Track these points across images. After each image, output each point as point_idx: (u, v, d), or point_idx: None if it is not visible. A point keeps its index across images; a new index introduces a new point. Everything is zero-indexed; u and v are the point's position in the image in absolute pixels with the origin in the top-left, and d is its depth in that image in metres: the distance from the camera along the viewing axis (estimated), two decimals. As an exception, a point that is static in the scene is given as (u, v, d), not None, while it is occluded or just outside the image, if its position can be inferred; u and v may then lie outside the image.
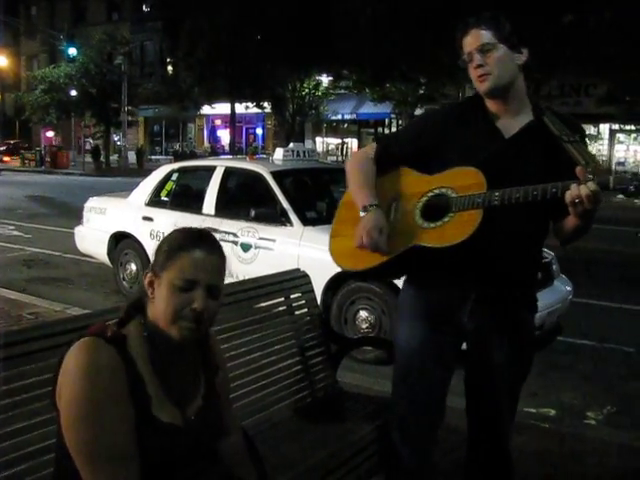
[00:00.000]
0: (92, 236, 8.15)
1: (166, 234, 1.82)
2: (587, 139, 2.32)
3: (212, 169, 7.13)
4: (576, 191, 1.97)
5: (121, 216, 7.82)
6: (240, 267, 5.99)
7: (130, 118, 37.92)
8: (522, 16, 19.67)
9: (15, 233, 12.82)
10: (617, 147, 31.48)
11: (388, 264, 2.31)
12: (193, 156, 33.78)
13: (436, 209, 2.24)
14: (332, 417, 2.93)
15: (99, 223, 8.04)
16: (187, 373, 1.81)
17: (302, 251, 5.81)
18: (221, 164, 7.23)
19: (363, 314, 5.58)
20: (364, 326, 5.58)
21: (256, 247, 6.16)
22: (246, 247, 6.19)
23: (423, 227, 2.26)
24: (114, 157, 39.84)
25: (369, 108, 34.43)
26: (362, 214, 2.34)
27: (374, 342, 4.88)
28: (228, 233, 6.24)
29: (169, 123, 46.10)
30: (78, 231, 8.43)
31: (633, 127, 29.04)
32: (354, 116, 37.67)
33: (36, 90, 38.25)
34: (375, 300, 5.48)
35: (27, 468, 1.97)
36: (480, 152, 2.24)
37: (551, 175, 2.10)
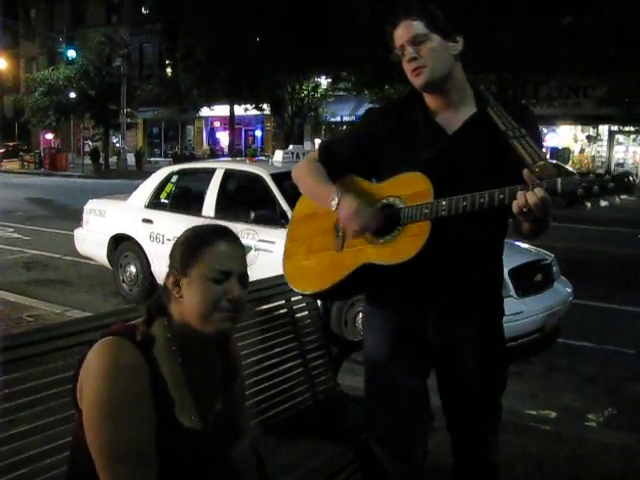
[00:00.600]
0: (92, 238, 8.15)
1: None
2: (541, 127, 2.20)
3: (212, 171, 7.13)
4: (522, 200, 1.86)
5: (121, 218, 7.82)
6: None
7: (129, 120, 37.91)
8: (521, 17, 19.76)
9: (15, 235, 12.82)
10: (616, 148, 31.49)
11: (342, 284, 2.22)
12: (192, 158, 33.81)
13: (385, 222, 2.14)
14: (333, 420, 2.93)
15: (99, 225, 8.04)
16: (209, 377, 1.80)
17: (302, 253, 5.79)
18: (221, 166, 7.23)
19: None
20: (364, 328, 5.57)
21: (256, 249, 6.15)
22: (246, 249, 6.18)
23: (372, 243, 2.16)
24: (113, 159, 39.80)
25: (368, 110, 34.39)
26: (333, 206, 2.19)
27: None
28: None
29: (168, 125, 46.07)
30: (78, 233, 8.42)
31: (632, 128, 29.03)
32: (353, 118, 37.61)
33: (35, 92, 38.23)
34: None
35: (29, 471, 1.96)
36: (423, 152, 2.13)
37: (499, 171, 2.03)
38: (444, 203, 2.02)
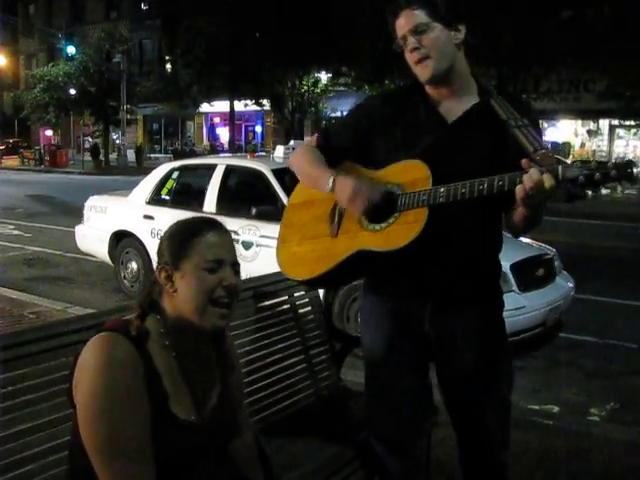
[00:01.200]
0: (93, 235, 8.15)
1: (172, 226, 1.81)
2: (541, 122, 2.17)
3: (213, 167, 7.13)
4: (529, 182, 1.81)
5: (122, 215, 7.82)
6: (242, 265, 5.97)
7: (129, 116, 37.86)
8: (522, 11, 19.71)
9: (15, 232, 12.82)
10: (617, 142, 31.46)
11: (336, 271, 2.18)
12: (193, 154, 33.74)
13: (382, 208, 2.09)
14: (337, 415, 2.93)
15: (100, 222, 8.04)
16: (203, 371, 1.80)
17: (304, 249, 5.79)
18: (222, 162, 7.23)
19: (365, 312, 5.57)
20: (366, 323, 5.56)
21: (257, 245, 6.15)
22: (247, 245, 6.19)
23: (368, 229, 2.11)
24: (113, 155, 39.78)
25: (368, 105, 34.36)
26: (328, 188, 2.15)
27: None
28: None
29: (168, 121, 46.03)
30: (79, 230, 8.42)
31: (633, 122, 28.99)
32: (353, 113, 37.63)
33: (35, 89, 38.20)
34: (377, 297, 5.46)
35: (33, 469, 1.96)
36: (422, 140, 2.10)
37: (498, 161, 1.99)
38: (442, 190, 1.98)
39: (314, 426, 2.79)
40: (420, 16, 2.06)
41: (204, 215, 1.81)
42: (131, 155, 37.83)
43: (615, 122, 30.16)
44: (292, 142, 7.73)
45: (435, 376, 2.34)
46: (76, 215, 9.47)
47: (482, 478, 2.34)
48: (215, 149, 39.08)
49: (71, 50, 32.67)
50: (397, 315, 2.23)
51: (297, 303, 3.21)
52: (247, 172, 7.12)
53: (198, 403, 1.75)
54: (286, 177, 6.72)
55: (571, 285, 6.20)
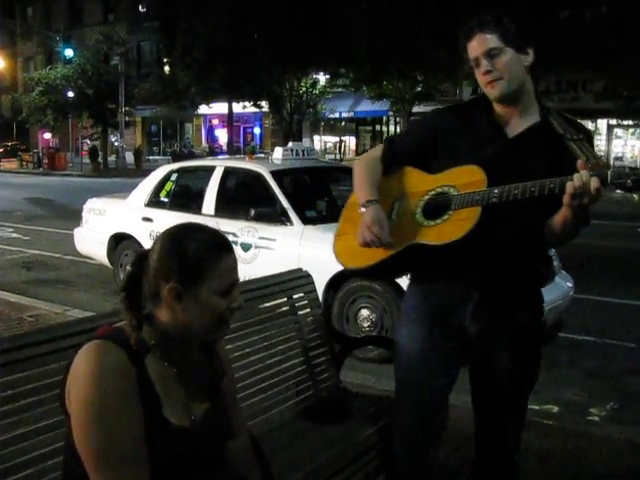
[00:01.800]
0: (92, 237, 8.14)
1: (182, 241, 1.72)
2: (594, 140, 2.29)
3: (211, 169, 7.12)
4: (578, 181, 1.93)
5: (120, 217, 7.81)
6: (240, 267, 5.90)
7: (127, 119, 37.88)
8: (518, 12, 19.71)
9: (14, 235, 12.81)
10: (615, 142, 31.52)
11: (389, 262, 2.28)
12: (191, 156, 33.76)
13: (437, 207, 2.23)
14: (336, 417, 2.92)
15: (98, 224, 8.03)
16: (195, 376, 1.80)
17: (302, 250, 5.80)
18: (220, 164, 7.23)
19: (364, 313, 5.58)
20: (366, 325, 5.58)
21: (256, 247, 6.15)
22: (246, 247, 6.19)
23: (423, 225, 2.24)
24: (112, 158, 39.79)
25: (366, 106, 34.43)
26: (362, 210, 2.32)
27: (378, 341, 4.86)
28: (228, 233, 6.20)
29: (167, 123, 46.06)
30: (77, 232, 8.42)
31: (631, 122, 29.04)
32: (352, 114, 37.68)
33: (33, 92, 38.20)
34: (376, 298, 5.48)
35: (34, 473, 1.96)
36: (483, 151, 2.21)
37: (552, 176, 2.06)
38: (496, 190, 2.10)
39: (314, 427, 2.79)
40: (493, 40, 2.18)
41: (217, 232, 1.76)
42: (130, 157, 37.84)
43: (613, 122, 30.22)
44: (290, 144, 7.73)
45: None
46: (75, 218, 9.46)
47: (497, 476, 2.44)
48: (214, 151, 39.11)
49: (69, 53, 32.73)
50: (440, 310, 2.32)
51: (296, 305, 3.21)
52: (246, 174, 7.13)
53: (189, 408, 1.75)
54: (285, 179, 6.74)
55: (570, 285, 6.20)
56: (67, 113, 38.89)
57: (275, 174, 6.49)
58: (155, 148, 47.07)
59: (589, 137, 2.26)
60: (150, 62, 43.23)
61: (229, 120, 34.97)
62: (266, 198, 6.43)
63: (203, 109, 37.53)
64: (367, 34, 23.23)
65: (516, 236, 2.21)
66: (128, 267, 7.56)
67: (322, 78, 33.20)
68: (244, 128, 42.78)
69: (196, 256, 1.67)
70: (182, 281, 1.66)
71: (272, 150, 7.69)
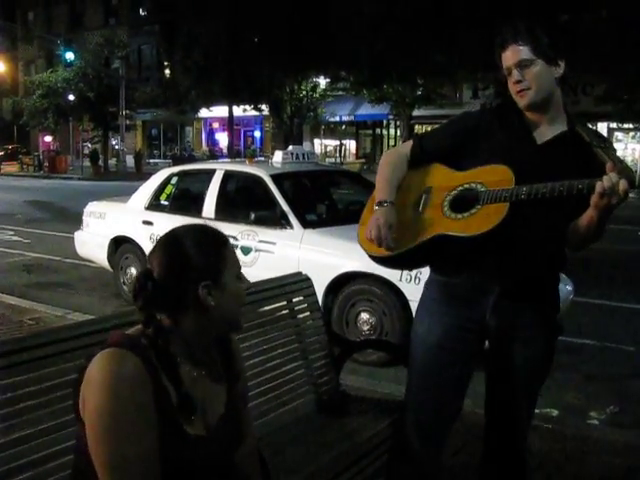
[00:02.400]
0: (92, 240, 8.15)
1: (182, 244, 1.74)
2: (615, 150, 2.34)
3: (212, 172, 7.13)
4: (608, 182, 2.00)
5: (121, 220, 7.82)
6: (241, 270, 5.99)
7: (128, 122, 37.92)
8: (520, 15, 19.73)
9: (14, 238, 12.82)
10: (615, 146, 31.45)
11: (414, 251, 2.34)
12: (192, 159, 33.79)
13: (465, 202, 2.29)
14: (336, 420, 2.93)
15: (99, 227, 8.04)
16: (211, 381, 1.79)
17: (302, 254, 5.81)
18: (220, 167, 7.23)
19: (364, 316, 5.58)
20: (365, 328, 5.58)
21: (256, 250, 6.16)
22: (246, 250, 6.19)
23: (450, 218, 2.30)
24: (112, 161, 39.82)
25: (367, 109, 34.44)
26: (376, 208, 2.38)
27: (377, 345, 4.88)
28: (228, 236, 6.22)
29: (167, 127, 46.12)
30: (78, 236, 8.43)
31: (631, 125, 29.05)
32: (352, 118, 37.71)
33: (34, 95, 38.23)
34: (376, 302, 5.48)
35: (33, 475, 1.96)
36: (512, 155, 2.28)
37: None
38: (525, 189, 2.16)
39: (313, 431, 2.80)
40: (525, 51, 2.25)
41: (201, 224, 1.77)
42: (130, 161, 37.87)
43: (613, 125, 30.20)
44: (290, 147, 7.73)
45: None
46: (75, 221, 9.47)
47: (508, 464, 2.50)
48: (214, 154, 39.12)
49: (70, 56, 32.74)
50: (461, 303, 2.38)
51: (296, 308, 3.21)
52: (246, 177, 7.13)
53: (206, 415, 1.73)
54: (285, 182, 6.75)
55: (570, 288, 6.19)
56: (68, 116, 38.94)
57: (275, 178, 6.50)
58: (156, 151, 47.12)
59: (611, 145, 2.33)
60: (151, 65, 43.30)
61: (229, 123, 35.00)
62: (266, 201, 6.43)
63: (203, 112, 37.56)
64: (367, 37, 23.24)
65: (540, 234, 2.28)
66: (131, 270, 7.57)
67: (322, 81, 33.23)
68: (244, 131, 42.81)
69: (212, 248, 1.73)
70: (207, 275, 1.68)
71: (272, 154, 7.70)
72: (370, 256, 2.50)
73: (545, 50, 2.25)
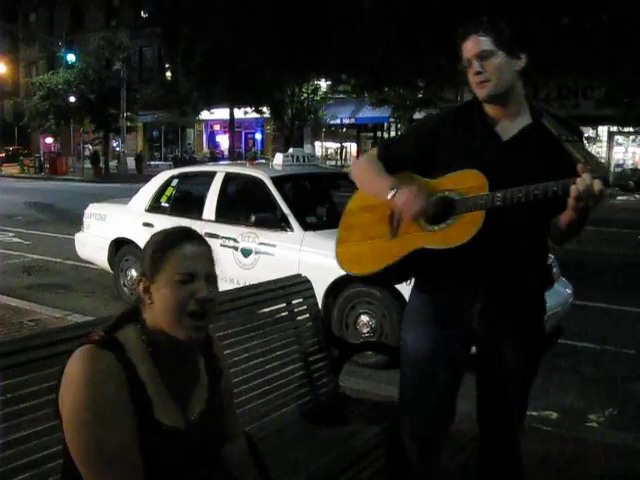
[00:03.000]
0: (92, 242, 8.16)
1: (150, 239, 1.83)
2: (585, 141, 2.32)
3: (212, 175, 7.14)
4: (582, 185, 1.97)
5: (121, 222, 7.83)
6: (241, 273, 6.00)
7: (129, 124, 37.94)
8: (519, 18, 19.76)
9: (15, 240, 12.82)
10: (616, 149, 31.53)
11: (395, 267, 2.33)
12: (192, 162, 33.80)
13: (440, 212, 2.25)
14: (335, 422, 2.94)
15: (99, 229, 8.05)
16: (190, 377, 1.82)
17: (303, 256, 5.81)
18: (221, 170, 7.24)
19: (364, 319, 5.59)
20: (365, 331, 5.58)
21: (256, 252, 6.16)
22: (247, 252, 6.20)
23: (427, 230, 2.27)
24: (113, 163, 39.82)
25: (368, 112, 34.47)
26: (390, 195, 2.28)
27: (377, 347, 4.88)
28: (228, 239, 6.25)
29: (168, 129, 46.12)
30: (78, 237, 8.44)
31: (631, 129, 29.05)
32: (353, 120, 37.71)
33: (35, 96, 38.27)
34: (376, 304, 5.49)
35: (32, 475, 1.97)
36: (479, 156, 2.25)
37: (549, 176, 2.10)
38: (499, 194, 2.13)
39: (312, 433, 2.80)
40: (486, 42, 2.23)
41: (183, 226, 1.80)
42: (131, 163, 37.89)
43: (614, 129, 30.23)
44: (291, 150, 7.74)
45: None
46: (76, 223, 9.48)
47: (504, 464, 2.49)
48: (215, 156, 39.14)
49: (71, 58, 32.84)
50: (448, 312, 2.36)
51: (295, 310, 3.22)
52: (246, 180, 7.14)
53: (184, 409, 1.76)
54: (285, 185, 6.75)
55: (570, 291, 6.20)
56: (69, 118, 38.94)
57: (276, 180, 6.51)
58: (156, 153, 47.13)
59: (581, 138, 2.31)
60: (152, 67, 43.33)
61: (230, 126, 35.01)
62: (266, 204, 6.44)
63: (204, 115, 37.59)
64: (368, 40, 23.25)
65: (520, 237, 2.26)
66: (132, 272, 7.58)
67: (323, 84, 33.25)
68: (245, 134, 42.82)
69: (157, 247, 1.76)
70: (147, 273, 1.73)
71: (273, 156, 7.70)
72: (352, 276, 2.52)
73: (506, 42, 2.23)
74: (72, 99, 37.13)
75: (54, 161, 39.00)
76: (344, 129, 40.16)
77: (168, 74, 38.39)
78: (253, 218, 6.31)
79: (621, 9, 20.15)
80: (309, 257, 5.74)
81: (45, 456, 2.01)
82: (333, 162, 38.39)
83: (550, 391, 5.08)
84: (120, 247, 7.74)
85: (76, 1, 46.98)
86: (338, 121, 37.33)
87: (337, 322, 5.67)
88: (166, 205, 7.55)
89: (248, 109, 33.32)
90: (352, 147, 40.54)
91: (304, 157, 7.42)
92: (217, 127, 43.53)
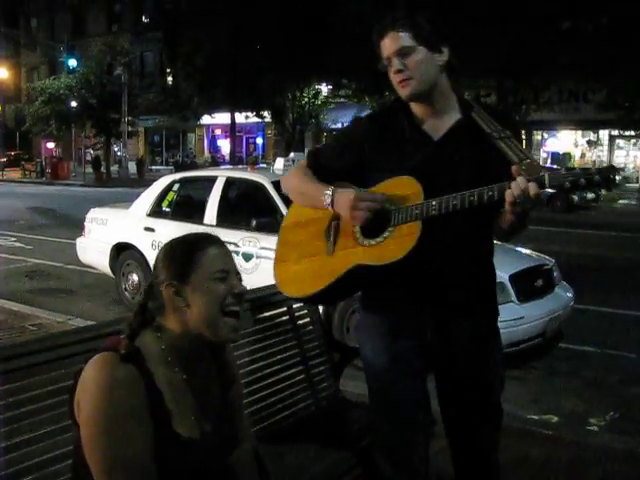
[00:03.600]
0: (94, 247, 8.17)
1: (172, 246, 1.83)
2: (522, 132, 2.25)
3: (213, 179, 7.16)
4: (517, 190, 1.90)
5: (123, 227, 7.84)
6: (242, 277, 6.00)
7: (130, 128, 37.95)
8: (521, 23, 19.79)
9: (17, 244, 12.85)
10: (617, 153, 31.55)
11: (335, 286, 2.21)
12: (194, 166, 33.81)
13: (376, 224, 2.13)
14: (335, 426, 2.94)
15: (101, 234, 8.07)
16: (204, 386, 1.80)
17: (303, 260, 5.81)
18: (222, 174, 7.26)
19: (365, 322, 5.58)
20: (366, 334, 5.57)
21: (257, 257, 6.17)
22: (248, 257, 6.21)
23: (364, 245, 2.16)
24: (114, 168, 39.84)
25: (369, 116, 34.43)
26: (327, 202, 2.19)
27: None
28: (229, 243, 6.25)
29: (169, 133, 46.14)
30: (80, 242, 8.45)
31: (632, 133, 29.06)
32: (354, 124, 37.68)
33: (36, 101, 38.32)
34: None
35: (34, 479, 1.98)
36: (410, 158, 2.15)
37: (483, 174, 2.04)
38: (434, 203, 2.03)
39: (313, 436, 2.80)
40: (405, 39, 2.12)
41: (200, 232, 1.81)
42: (132, 167, 37.92)
43: (615, 132, 30.25)
44: (292, 154, 7.76)
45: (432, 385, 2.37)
46: (77, 227, 9.50)
47: (477, 476, 2.37)
48: (216, 161, 39.15)
49: (72, 63, 32.86)
50: (398, 323, 2.25)
51: (296, 314, 3.22)
52: (247, 184, 7.15)
53: (200, 419, 1.75)
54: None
55: (570, 295, 6.21)
56: (70, 123, 38.99)
57: (276, 184, 6.50)
58: (158, 158, 47.16)
59: (517, 132, 2.22)
60: (153, 72, 43.39)
61: (231, 130, 35.02)
62: (267, 208, 6.45)
63: (206, 119, 37.59)
64: (367, 44, 23.28)
65: (461, 244, 2.17)
66: (133, 276, 7.60)
67: (324, 89, 33.28)
68: (246, 138, 42.83)
69: (183, 251, 1.77)
70: (176, 277, 1.73)
71: (274, 160, 7.71)
72: (292, 298, 2.44)
73: (426, 36, 2.11)
74: (73, 104, 37.17)
75: (55, 166, 39.03)
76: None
77: (169, 79, 38.48)
78: (254, 222, 6.32)
79: (620, 13, 20.19)
80: (310, 261, 5.74)
81: (47, 460, 2.02)
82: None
83: (550, 395, 5.09)
84: (121, 252, 7.75)
85: (77, 6, 47.05)
86: (339, 125, 37.30)
87: (338, 326, 5.67)
88: (167, 210, 7.57)
89: (249, 113, 33.35)
90: (353, 151, 40.49)
91: (305, 162, 7.42)
92: (218, 131, 43.56)
